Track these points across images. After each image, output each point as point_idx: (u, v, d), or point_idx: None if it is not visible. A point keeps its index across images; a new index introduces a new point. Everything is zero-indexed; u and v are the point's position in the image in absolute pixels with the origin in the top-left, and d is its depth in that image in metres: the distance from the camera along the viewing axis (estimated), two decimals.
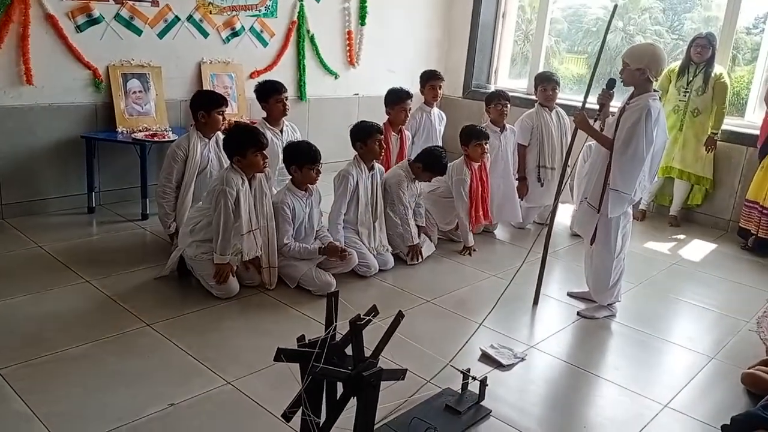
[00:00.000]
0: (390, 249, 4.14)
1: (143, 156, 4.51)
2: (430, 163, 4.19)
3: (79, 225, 4.42)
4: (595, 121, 3.54)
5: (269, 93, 4.28)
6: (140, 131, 4.66)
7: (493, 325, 3.38)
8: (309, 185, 3.81)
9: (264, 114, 4.40)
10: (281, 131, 4.35)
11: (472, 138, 4.41)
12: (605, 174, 3.35)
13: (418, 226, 4.34)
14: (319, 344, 2.02)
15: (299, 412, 2.06)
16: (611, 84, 3.45)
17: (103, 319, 3.14)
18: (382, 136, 4.05)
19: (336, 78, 6.16)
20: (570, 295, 3.86)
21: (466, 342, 3.00)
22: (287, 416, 2.02)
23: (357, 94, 6.33)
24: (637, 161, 3.23)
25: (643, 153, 3.22)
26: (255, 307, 3.44)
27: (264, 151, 3.52)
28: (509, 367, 3.01)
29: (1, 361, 2.71)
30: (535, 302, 3.71)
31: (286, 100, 4.33)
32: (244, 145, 3.43)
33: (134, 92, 4.80)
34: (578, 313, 3.61)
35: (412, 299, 3.65)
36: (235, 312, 3.37)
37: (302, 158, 3.68)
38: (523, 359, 3.09)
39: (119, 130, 4.65)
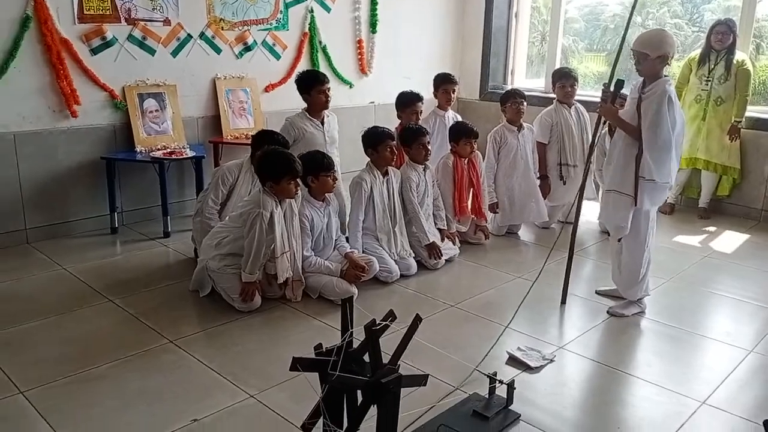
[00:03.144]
0: (412, 254, 4.08)
1: (162, 174, 4.53)
2: (404, 137, 4.21)
3: (103, 245, 4.45)
4: (604, 123, 3.48)
5: (311, 84, 4.17)
6: (158, 150, 4.69)
7: (520, 327, 3.30)
8: (326, 195, 3.78)
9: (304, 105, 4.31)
10: (322, 122, 4.28)
11: (461, 135, 4.40)
12: (635, 164, 3.26)
13: (439, 230, 4.29)
14: (335, 352, 1.98)
15: (320, 423, 2.01)
16: (620, 85, 3.32)
17: (125, 338, 3.13)
18: (394, 142, 4.00)
19: (350, 87, 6.15)
20: (598, 293, 3.76)
21: (493, 345, 2.94)
22: (306, 428, 1.98)
23: (372, 102, 6.31)
24: (666, 148, 3.21)
25: (671, 139, 3.19)
26: (277, 319, 3.41)
27: (297, 179, 3.48)
28: (538, 369, 2.93)
29: (26, 383, 2.71)
30: (563, 302, 3.62)
31: (329, 91, 4.24)
32: (278, 173, 3.39)
33: (151, 111, 4.84)
34: (608, 311, 3.51)
35: (435, 304, 3.59)
36: (257, 325, 3.35)
37: (318, 167, 3.66)
38: (552, 361, 3.00)
39: (138, 150, 4.69)
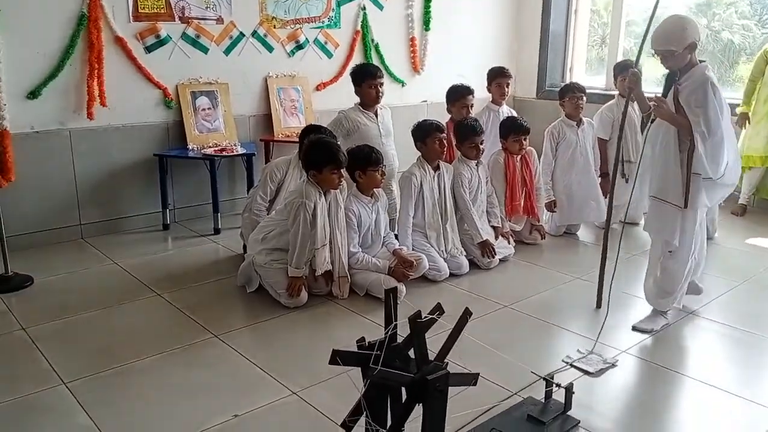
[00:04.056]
0: (464, 252, 3.92)
1: (213, 171, 4.53)
2: (459, 132, 4.04)
3: (154, 241, 4.47)
4: (647, 118, 3.20)
5: (364, 77, 4.11)
6: (210, 147, 4.70)
7: (578, 330, 3.11)
8: (375, 191, 3.68)
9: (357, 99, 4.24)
10: (375, 114, 4.19)
11: (510, 131, 4.23)
12: (686, 164, 2.94)
13: (494, 228, 4.12)
14: (377, 345, 1.85)
15: (362, 421, 1.89)
16: (672, 78, 3.00)
17: (171, 332, 3.10)
18: (443, 134, 3.86)
19: (403, 86, 6.04)
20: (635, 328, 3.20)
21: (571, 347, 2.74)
22: (347, 426, 1.86)
23: (425, 101, 6.18)
24: (719, 139, 2.89)
25: (722, 129, 2.88)
26: (323, 316, 3.32)
27: (341, 170, 3.40)
28: (598, 373, 2.73)
29: (70, 374, 2.70)
30: (598, 305, 3.36)
31: (381, 86, 4.15)
32: (321, 162, 3.32)
33: (203, 109, 4.85)
34: (633, 328, 3.15)
35: (488, 304, 3.42)
36: (303, 321, 3.26)
37: (365, 162, 3.56)
38: (614, 365, 2.79)
39: (190, 147, 4.70)
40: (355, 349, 1.91)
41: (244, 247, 4.02)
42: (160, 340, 2.99)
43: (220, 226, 4.61)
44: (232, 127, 4.95)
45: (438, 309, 1.92)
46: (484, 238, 3.95)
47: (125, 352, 2.87)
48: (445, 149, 3.94)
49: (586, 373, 2.72)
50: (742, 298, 3.55)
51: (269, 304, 3.39)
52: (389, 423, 1.93)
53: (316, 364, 2.78)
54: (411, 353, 1.92)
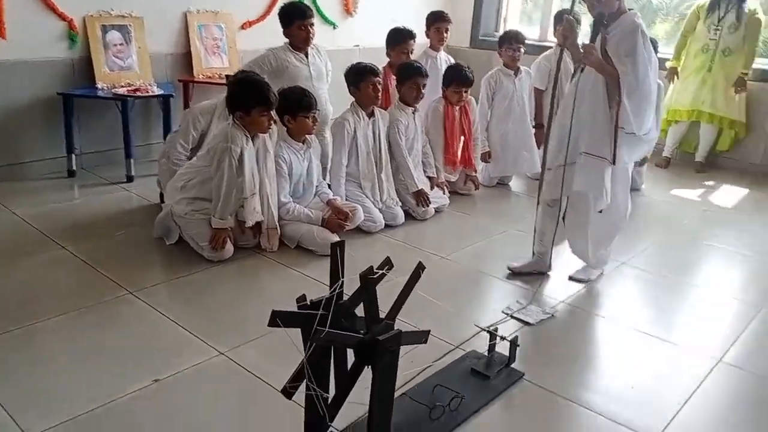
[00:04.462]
0: (399, 203, 3.77)
1: (125, 113, 4.12)
2: (402, 72, 3.85)
3: (59, 189, 4.05)
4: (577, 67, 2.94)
5: (292, 17, 3.79)
6: (122, 87, 4.27)
7: (516, 281, 3.04)
8: (307, 137, 3.43)
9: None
10: (306, 55, 3.89)
11: (453, 81, 4.04)
12: (613, 117, 2.76)
13: (429, 178, 3.98)
14: (323, 304, 1.67)
15: (303, 387, 1.72)
16: (601, 19, 2.77)
17: (79, 289, 2.79)
18: (378, 78, 3.64)
19: (335, 28, 5.72)
20: (510, 269, 3.15)
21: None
22: (288, 392, 1.68)
23: (357, 46, 5.89)
24: (647, 92, 2.73)
25: (650, 81, 2.73)
26: (251, 270, 3.10)
27: (271, 111, 3.12)
28: (538, 324, 2.67)
29: None
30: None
31: (312, 27, 3.84)
32: (249, 102, 3.02)
33: (115, 45, 4.39)
34: (570, 278, 3.11)
35: (423, 255, 3.29)
36: (229, 275, 3.03)
37: (295, 106, 3.30)
38: (552, 316, 2.74)
39: (99, 86, 4.25)
40: (295, 309, 1.72)
41: (162, 195, 3.70)
42: (66, 299, 2.68)
43: (133, 173, 4.24)
44: (146, 65, 4.52)
45: (387, 263, 1.75)
46: (420, 188, 3.81)
47: (25, 313, 2.55)
48: (380, 94, 3.73)
49: (527, 324, 2.66)
50: (669, 247, 3.60)
51: (191, 258, 3.12)
52: (331, 385, 1.77)
53: (246, 321, 2.58)
54: (357, 311, 1.76)
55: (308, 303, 1.69)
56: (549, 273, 3.13)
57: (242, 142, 3.03)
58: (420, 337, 1.77)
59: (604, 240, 3.09)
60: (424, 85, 3.86)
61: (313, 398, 1.69)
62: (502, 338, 2.33)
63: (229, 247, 3.15)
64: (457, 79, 4.05)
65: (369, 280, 1.61)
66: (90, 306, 2.64)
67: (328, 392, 1.73)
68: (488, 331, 2.36)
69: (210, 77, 4.73)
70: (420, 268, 1.73)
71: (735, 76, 4.86)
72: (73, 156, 4.27)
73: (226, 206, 3.07)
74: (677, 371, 2.40)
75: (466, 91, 4.07)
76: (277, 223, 3.28)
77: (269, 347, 2.38)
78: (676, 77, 5.10)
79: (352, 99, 3.70)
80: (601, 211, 2.94)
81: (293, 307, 1.71)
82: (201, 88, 4.70)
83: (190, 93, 4.69)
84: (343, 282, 1.68)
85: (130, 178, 4.22)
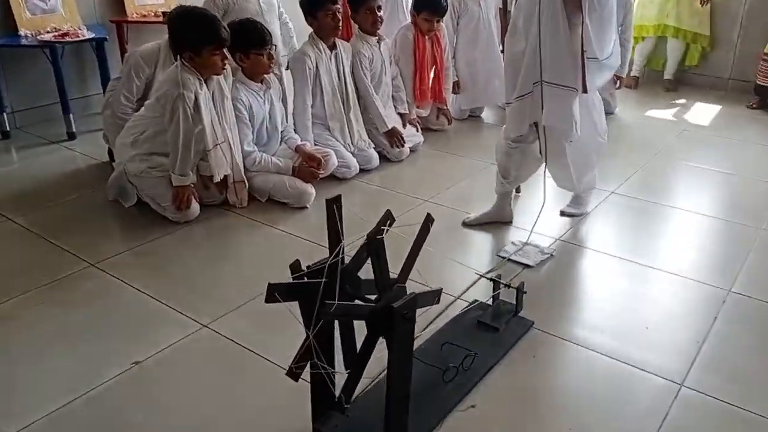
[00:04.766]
0: (372, 144, 3.53)
1: (56, 62, 3.69)
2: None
3: None
4: None
5: None
6: (48, 33, 3.81)
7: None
8: (265, 76, 3.12)
9: None
10: None
11: (424, 8, 3.72)
12: (577, 40, 2.45)
13: (400, 115, 3.74)
14: (326, 271, 1.46)
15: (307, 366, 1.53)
16: None
17: (34, 264, 2.50)
18: (337, 6, 3.29)
19: None
20: (465, 223, 2.89)
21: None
22: (294, 374, 1.48)
23: None
24: (609, 11, 2.48)
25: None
26: (223, 229, 2.84)
27: (224, 49, 2.77)
28: (538, 266, 2.53)
29: None
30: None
31: None
32: (199, 40, 2.67)
33: None
34: (561, 213, 2.96)
35: (406, 201, 3.09)
36: (198, 238, 2.78)
37: (246, 42, 2.95)
38: (552, 255, 2.61)
39: (22, 34, 3.78)
40: (286, 273, 1.50)
41: (110, 152, 3.37)
42: (20, 277, 2.40)
43: (74, 130, 3.85)
44: (72, 6, 4.04)
45: (388, 217, 1.54)
46: (391, 126, 3.56)
47: None
48: (340, 24, 3.39)
49: (526, 266, 2.52)
50: (654, 172, 3.50)
51: (153, 221, 2.85)
52: (337, 360, 1.59)
53: (226, 288, 2.37)
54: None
55: (305, 270, 1.47)
56: (511, 222, 2.87)
57: (195, 87, 2.71)
58: (432, 297, 1.59)
59: (587, 167, 2.92)
60: (380, 7, 3.54)
61: (321, 377, 1.51)
62: (507, 286, 2.18)
63: (195, 206, 2.88)
64: (429, 7, 3.72)
65: (378, 242, 1.41)
66: (48, 284, 2.36)
67: (334, 367, 1.55)
68: (492, 279, 2.20)
69: (145, 16, 4.29)
70: (429, 221, 1.53)
71: None
72: (5, 115, 3.85)
73: (185, 161, 2.78)
74: (689, 307, 2.30)
75: (438, 21, 3.77)
76: (244, 176, 3.01)
77: (257, 314, 2.18)
78: None
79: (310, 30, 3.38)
80: (571, 141, 2.66)
81: (278, 269, 1.51)
82: (137, 29, 4.27)
83: (126, 35, 4.24)
84: (342, 247, 1.47)
85: (71, 135, 3.84)
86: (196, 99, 2.72)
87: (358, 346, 1.53)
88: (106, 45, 3.93)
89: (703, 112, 4.52)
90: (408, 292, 1.49)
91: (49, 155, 3.63)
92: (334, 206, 1.47)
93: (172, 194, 2.81)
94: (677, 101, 4.77)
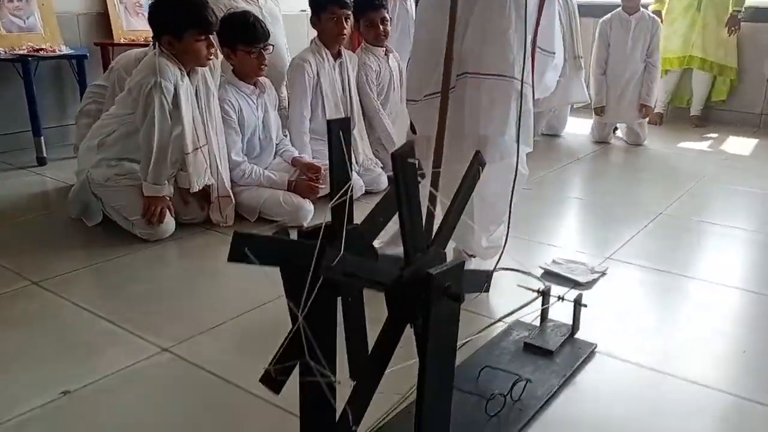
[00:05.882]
0: (380, 164, 3.09)
1: (28, 79, 3.31)
2: (355, 6, 3.04)
3: None
4: None
5: None
6: (23, 49, 3.45)
7: (542, 239, 2.42)
8: (259, 80, 2.72)
9: None
10: None
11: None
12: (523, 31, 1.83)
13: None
14: (324, 232, 0.97)
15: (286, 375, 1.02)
16: None
17: None
18: (344, 11, 2.91)
19: None
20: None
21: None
22: (271, 380, 0.97)
23: None
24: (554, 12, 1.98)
25: None
26: (200, 249, 2.36)
27: (210, 36, 2.39)
28: (589, 285, 2.04)
29: None
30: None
31: None
32: (180, 22, 2.28)
33: (10, 1, 3.57)
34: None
35: None
36: (171, 257, 2.30)
37: (232, 35, 2.57)
38: (603, 274, 2.12)
39: None
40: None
41: None
42: None
43: (45, 155, 3.42)
44: (53, 27, 3.70)
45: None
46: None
47: None
48: (345, 32, 3.01)
49: (576, 284, 2.02)
50: (702, 194, 3.06)
51: (120, 239, 2.36)
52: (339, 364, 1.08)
53: (196, 310, 1.87)
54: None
55: (303, 230, 1.00)
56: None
57: (176, 78, 2.29)
58: (481, 279, 1.10)
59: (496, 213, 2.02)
60: (384, 20, 3.16)
61: (316, 388, 0.99)
62: (561, 298, 1.68)
63: (170, 222, 2.40)
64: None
65: (408, 166, 0.93)
66: None
67: (335, 372, 1.04)
68: (540, 292, 1.71)
69: (134, 41, 3.95)
70: (479, 162, 1.06)
71: (725, 14, 4.41)
72: None
73: (160, 165, 2.33)
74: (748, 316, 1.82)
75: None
76: (230, 191, 2.56)
77: (231, 337, 1.68)
78: (661, 22, 4.62)
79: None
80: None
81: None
82: (123, 51, 3.91)
83: (111, 56, 3.88)
84: (350, 184, 1.00)
85: (41, 161, 3.40)
86: (176, 92, 2.30)
87: (370, 344, 1.03)
88: (86, 63, 3.57)
89: (740, 144, 4.13)
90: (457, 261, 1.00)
91: (13, 179, 3.18)
92: (338, 129, 1.01)
93: (143, 205, 2.34)
94: (709, 135, 4.38)
